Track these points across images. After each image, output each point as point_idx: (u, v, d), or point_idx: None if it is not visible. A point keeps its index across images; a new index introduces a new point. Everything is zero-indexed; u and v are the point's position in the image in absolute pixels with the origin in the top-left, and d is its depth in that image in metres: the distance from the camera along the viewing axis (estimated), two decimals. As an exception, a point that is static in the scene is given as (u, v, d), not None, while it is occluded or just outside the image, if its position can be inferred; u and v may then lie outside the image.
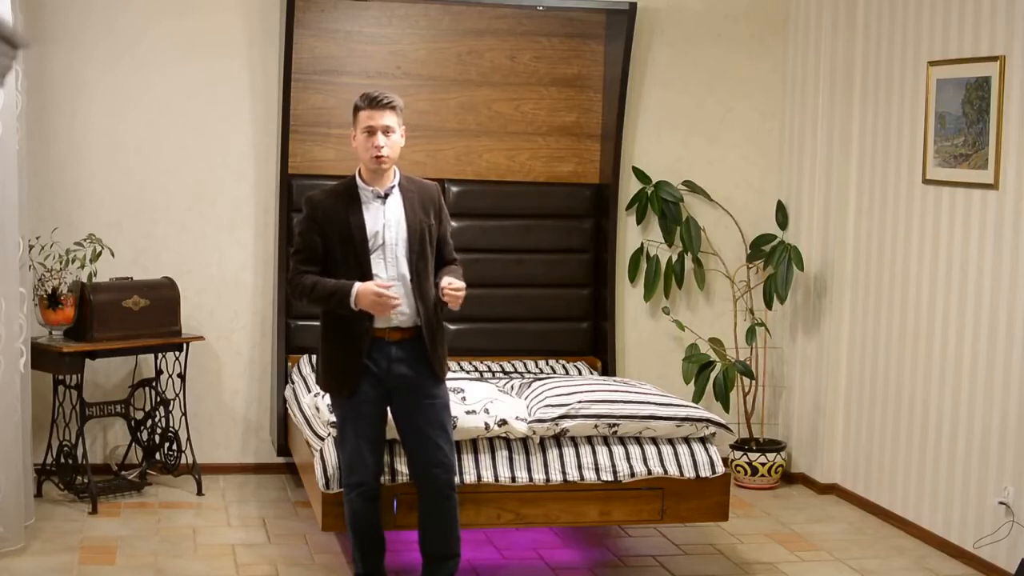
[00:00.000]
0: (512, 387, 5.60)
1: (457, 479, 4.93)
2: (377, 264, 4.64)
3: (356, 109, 4.69)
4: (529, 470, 5.12)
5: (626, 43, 6.48)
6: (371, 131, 4.61)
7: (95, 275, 6.06)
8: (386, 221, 4.66)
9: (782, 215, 6.77)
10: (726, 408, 6.53)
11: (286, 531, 5.75)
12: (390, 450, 5.00)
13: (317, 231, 4.67)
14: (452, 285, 4.64)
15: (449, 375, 5.75)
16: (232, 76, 6.46)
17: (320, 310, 4.77)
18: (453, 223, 6.55)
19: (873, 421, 6.30)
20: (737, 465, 6.65)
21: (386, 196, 4.68)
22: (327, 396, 4.93)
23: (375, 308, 4.55)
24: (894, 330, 6.13)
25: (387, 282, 4.59)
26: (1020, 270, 5.31)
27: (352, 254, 4.63)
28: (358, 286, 4.55)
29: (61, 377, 6.02)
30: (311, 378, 6.04)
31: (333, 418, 4.88)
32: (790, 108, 6.87)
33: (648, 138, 6.84)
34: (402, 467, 4.97)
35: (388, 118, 4.62)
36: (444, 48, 6.58)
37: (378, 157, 4.61)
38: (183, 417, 6.34)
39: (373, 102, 4.62)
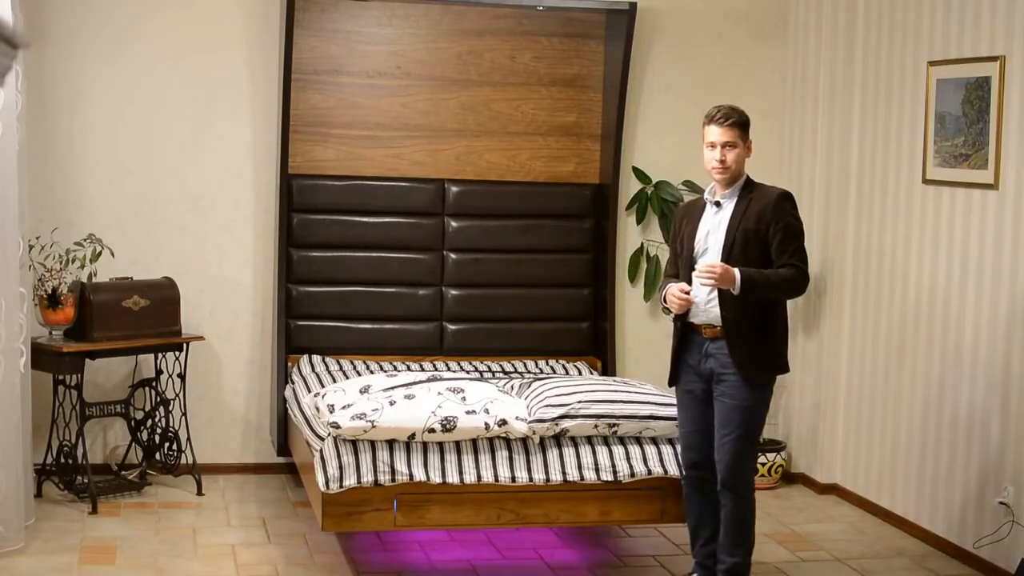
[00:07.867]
0: (512, 387, 5.60)
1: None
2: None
3: (704, 120, 4.90)
4: (529, 470, 5.12)
5: (626, 43, 6.48)
6: (712, 145, 4.85)
7: (95, 275, 6.06)
8: (712, 227, 4.89)
9: (782, 215, 6.76)
10: (726, 408, 6.52)
11: (286, 531, 5.75)
12: (390, 449, 4.99)
13: (676, 239, 5.06)
14: (704, 265, 4.76)
15: (449, 375, 5.78)
16: (232, 76, 6.46)
17: None
18: (454, 223, 6.58)
19: (873, 421, 6.30)
20: (737, 465, 6.65)
21: (720, 203, 4.88)
22: None
23: (676, 308, 4.86)
24: (894, 330, 6.13)
25: (688, 287, 4.83)
26: (1020, 270, 5.31)
27: (685, 259, 4.95)
28: (669, 287, 4.90)
29: (61, 377, 6.02)
30: (311, 378, 6.04)
31: None
32: (790, 108, 6.87)
33: (648, 138, 6.84)
34: (401, 467, 4.98)
35: (728, 134, 4.82)
36: (444, 48, 6.57)
37: (715, 170, 4.84)
38: (183, 417, 6.34)
39: (715, 119, 4.84)
